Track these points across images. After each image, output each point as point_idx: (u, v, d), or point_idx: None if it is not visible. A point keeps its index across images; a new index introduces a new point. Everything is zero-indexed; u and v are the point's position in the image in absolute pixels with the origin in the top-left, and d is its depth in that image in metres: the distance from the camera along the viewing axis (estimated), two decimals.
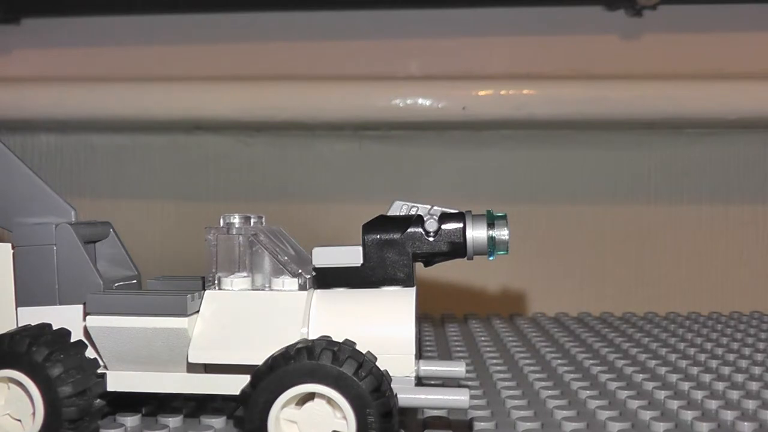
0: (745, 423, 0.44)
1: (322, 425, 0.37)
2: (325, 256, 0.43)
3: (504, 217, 0.43)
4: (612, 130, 0.93)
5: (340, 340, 0.38)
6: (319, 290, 0.42)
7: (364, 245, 0.42)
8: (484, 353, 0.65)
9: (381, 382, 0.37)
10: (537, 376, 0.56)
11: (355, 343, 0.38)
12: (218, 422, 0.45)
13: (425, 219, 0.42)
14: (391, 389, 0.37)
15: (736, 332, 0.73)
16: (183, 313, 0.41)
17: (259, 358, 0.38)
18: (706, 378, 0.56)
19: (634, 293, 0.93)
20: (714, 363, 0.60)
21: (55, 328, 0.42)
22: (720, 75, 0.89)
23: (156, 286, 0.47)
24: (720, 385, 0.53)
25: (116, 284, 0.46)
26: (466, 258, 0.43)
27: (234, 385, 0.41)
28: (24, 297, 0.44)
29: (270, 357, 0.38)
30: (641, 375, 0.56)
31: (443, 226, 0.42)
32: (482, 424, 0.45)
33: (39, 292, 0.44)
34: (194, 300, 0.41)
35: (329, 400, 0.37)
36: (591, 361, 0.61)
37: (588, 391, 0.52)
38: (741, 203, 0.94)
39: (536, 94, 0.86)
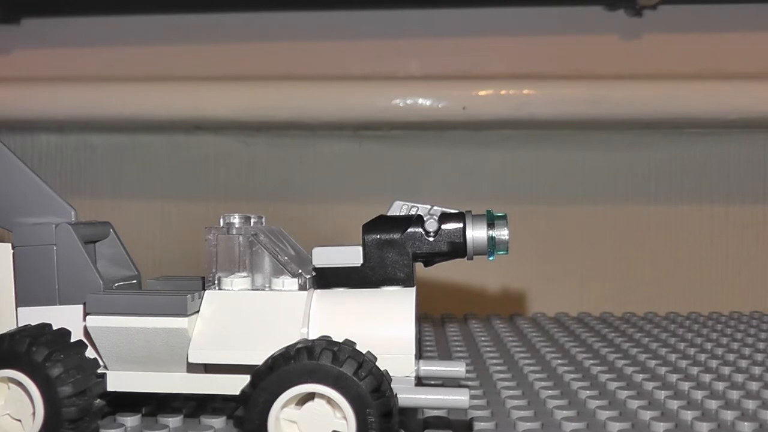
0: (745, 423, 0.44)
1: (322, 425, 0.37)
2: (325, 256, 0.43)
3: (504, 217, 0.43)
4: (612, 130, 0.93)
5: (340, 340, 0.38)
6: (319, 290, 0.42)
7: (364, 245, 0.42)
8: (484, 353, 0.65)
9: (381, 382, 0.37)
10: (537, 376, 0.56)
11: (355, 343, 0.38)
12: (218, 422, 0.45)
13: (425, 219, 0.42)
14: (391, 389, 0.37)
15: (736, 332, 0.73)
16: (183, 313, 0.41)
17: (259, 358, 0.38)
18: (706, 378, 0.55)
19: (634, 293, 0.93)
20: (714, 363, 0.60)
21: (55, 328, 0.42)
22: (720, 75, 0.89)
23: (156, 286, 0.47)
24: (720, 385, 0.53)
25: (116, 284, 0.46)
26: (466, 258, 0.43)
27: (234, 385, 0.41)
28: (24, 297, 0.44)
29: (270, 357, 0.38)
30: (641, 375, 0.56)
31: (443, 226, 0.42)
32: (482, 424, 0.45)
33: (39, 292, 0.44)
34: (194, 300, 0.41)
35: (329, 400, 0.37)
36: (591, 361, 0.61)
37: (588, 391, 0.52)
38: (741, 203, 0.94)
39: (536, 94, 0.86)
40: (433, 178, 0.95)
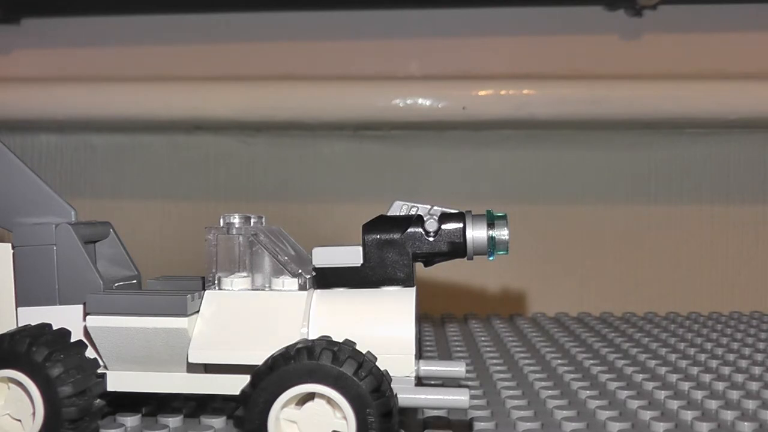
0: (745, 423, 0.44)
1: (322, 425, 0.37)
2: (325, 256, 0.43)
3: (504, 217, 0.43)
4: (612, 130, 0.93)
5: (340, 340, 0.38)
6: (319, 290, 0.42)
7: (364, 245, 0.42)
8: (484, 353, 0.65)
9: (381, 382, 0.37)
10: (537, 376, 0.56)
11: (355, 343, 0.38)
12: (218, 422, 0.45)
13: (425, 219, 0.42)
14: (391, 389, 0.37)
15: (736, 332, 0.73)
16: (183, 313, 0.41)
17: (259, 358, 0.38)
18: (706, 378, 0.55)
19: (634, 293, 0.93)
20: (714, 363, 0.60)
21: (55, 328, 0.42)
22: (720, 75, 0.89)
23: (156, 286, 0.47)
24: (720, 385, 0.53)
25: (116, 284, 0.46)
26: (466, 258, 0.43)
27: (234, 385, 0.41)
28: (24, 297, 0.44)
29: (270, 357, 0.38)
30: (641, 375, 0.56)
31: (443, 226, 0.42)
32: (482, 424, 0.45)
33: (39, 292, 0.44)
34: (194, 300, 0.41)
35: (329, 400, 0.37)
36: (591, 361, 0.61)
37: (588, 391, 0.52)
38: (741, 203, 0.94)
39: (536, 94, 0.86)
40: (433, 178, 0.95)
